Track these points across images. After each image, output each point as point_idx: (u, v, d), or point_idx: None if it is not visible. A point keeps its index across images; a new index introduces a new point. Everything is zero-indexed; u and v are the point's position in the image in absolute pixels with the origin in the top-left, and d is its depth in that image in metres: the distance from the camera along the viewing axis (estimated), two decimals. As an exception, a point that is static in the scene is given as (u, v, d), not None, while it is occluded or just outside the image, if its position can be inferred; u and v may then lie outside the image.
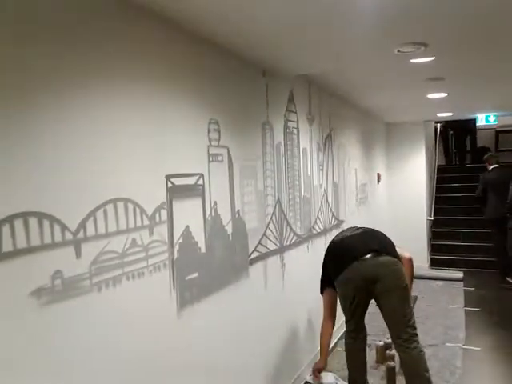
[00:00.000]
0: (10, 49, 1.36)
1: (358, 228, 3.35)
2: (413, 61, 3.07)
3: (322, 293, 3.35)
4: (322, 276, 3.34)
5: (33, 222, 1.41)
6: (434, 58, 3.03)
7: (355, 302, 3.04)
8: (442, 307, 5.43)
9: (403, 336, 2.93)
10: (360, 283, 2.96)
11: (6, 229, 1.32)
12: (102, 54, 1.70)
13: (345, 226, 4.77)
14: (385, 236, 3.24)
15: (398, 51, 2.70)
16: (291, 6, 1.96)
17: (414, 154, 7.31)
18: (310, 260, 3.83)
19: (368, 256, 2.97)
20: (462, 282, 6.43)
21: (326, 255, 3.33)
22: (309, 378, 3.52)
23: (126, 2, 1.79)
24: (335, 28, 2.30)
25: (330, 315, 3.31)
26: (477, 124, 9.03)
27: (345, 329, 3.25)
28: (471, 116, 8.09)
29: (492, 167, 6.75)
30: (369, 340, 4.36)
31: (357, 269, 2.96)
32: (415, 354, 2.92)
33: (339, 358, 4.11)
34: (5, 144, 1.34)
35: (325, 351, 3.33)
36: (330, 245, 3.35)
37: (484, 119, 8.56)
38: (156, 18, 1.97)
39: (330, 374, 3.58)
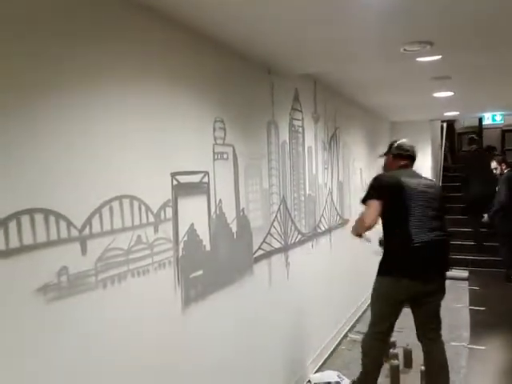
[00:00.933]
0: (10, 47, 1.36)
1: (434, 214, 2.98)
2: (419, 59, 3.06)
3: (364, 202, 3.02)
4: (377, 190, 3.00)
5: (39, 218, 1.42)
6: (440, 56, 3.02)
7: (399, 306, 3.01)
8: (446, 306, 5.32)
9: (435, 331, 3.09)
10: (413, 296, 2.97)
11: (12, 225, 1.34)
12: (107, 53, 1.71)
13: (348, 226, 4.78)
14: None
15: (404, 50, 2.69)
16: (294, 5, 1.95)
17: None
18: (314, 258, 3.84)
19: (431, 278, 2.98)
20: (467, 282, 6.42)
21: (389, 193, 2.97)
22: (312, 377, 3.53)
23: (129, 1, 1.80)
24: (339, 27, 2.29)
25: (373, 224, 2.94)
26: (483, 123, 8.99)
27: (368, 330, 3.12)
28: (478, 115, 8.06)
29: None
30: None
31: (417, 285, 2.92)
32: (443, 346, 3.11)
33: (343, 357, 4.12)
34: (9, 140, 1.35)
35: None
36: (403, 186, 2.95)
37: (490, 118, 8.52)
38: (160, 17, 1.97)
39: (334, 372, 3.60)
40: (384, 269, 3.00)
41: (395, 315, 3.04)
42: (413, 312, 3.10)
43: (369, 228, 2.95)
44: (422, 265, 2.90)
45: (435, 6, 2.04)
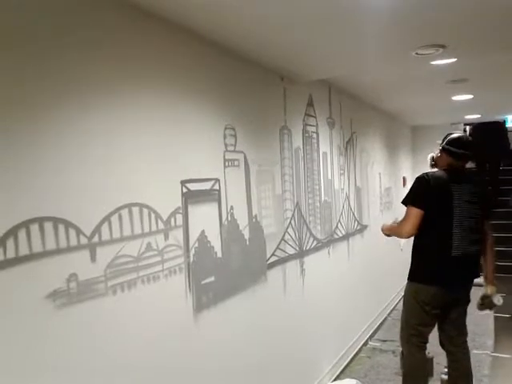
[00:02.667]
0: (13, 50, 1.40)
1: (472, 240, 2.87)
2: (433, 63, 3.03)
3: (405, 204, 2.86)
4: (420, 196, 2.78)
5: (48, 226, 1.45)
6: (455, 59, 2.98)
7: (436, 312, 2.95)
8: (469, 313, 5.27)
9: (462, 338, 3.07)
10: (446, 303, 2.95)
11: (21, 233, 1.37)
12: (119, 60, 1.75)
13: (367, 233, 4.74)
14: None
15: (416, 54, 2.67)
16: (306, 9, 1.96)
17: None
18: (331, 264, 3.81)
19: (462, 287, 2.99)
20: (492, 288, 6.26)
21: (430, 195, 2.75)
22: (331, 384, 3.50)
23: (144, 12, 1.84)
24: (349, 31, 2.29)
25: (410, 236, 2.81)
26: (507, 125, 8.78)
27: (409, 341, 3.02)
28: (500, 117, 7.89)
29: None
30: (393, 346, 4.32)
31: (448, 293, 2.90)
32: (469, 354, 3.10)
33: (363, 364, 4.07)
34: (21, 148, 1.39)
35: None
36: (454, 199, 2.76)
37: (514, 121, 8.33)
38: (170, 24, 2.01)
39: (352, 380, 3.55)
40: (417, 275, 2.92)
41: (432, 323, 3.01)
42: (441, 319, 3.04)
43: (406, 238, 2.87)
44: (456, 274, 2.86)
45: (445, 9, 2.02)
